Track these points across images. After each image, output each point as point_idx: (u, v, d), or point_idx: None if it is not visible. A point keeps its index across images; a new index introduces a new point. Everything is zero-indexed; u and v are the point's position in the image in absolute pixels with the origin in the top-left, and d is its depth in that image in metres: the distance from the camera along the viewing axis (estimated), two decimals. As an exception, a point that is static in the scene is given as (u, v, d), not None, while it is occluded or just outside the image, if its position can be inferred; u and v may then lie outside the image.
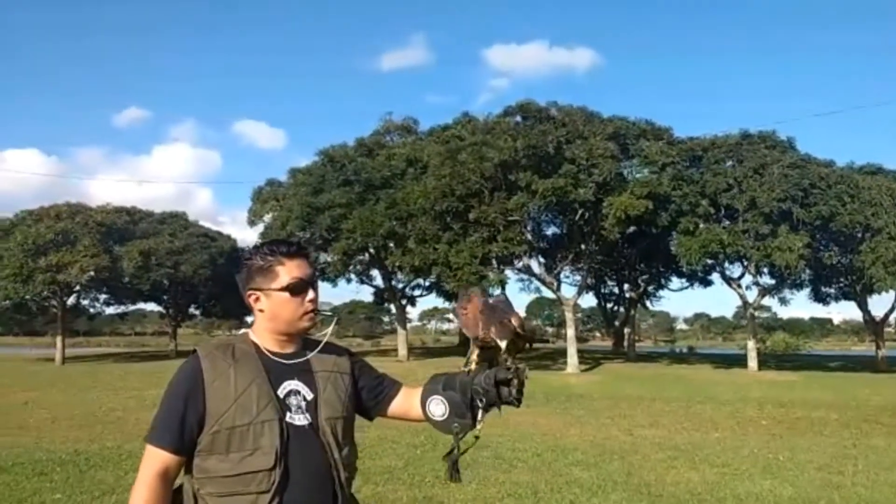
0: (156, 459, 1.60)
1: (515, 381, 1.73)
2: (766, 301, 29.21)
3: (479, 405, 1.72)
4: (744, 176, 23.32)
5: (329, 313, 2.02)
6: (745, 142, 25.04)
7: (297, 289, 1.69)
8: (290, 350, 1.72)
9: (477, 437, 1.75)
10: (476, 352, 1.80)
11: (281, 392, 1.64)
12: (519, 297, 41.93)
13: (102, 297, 37.30)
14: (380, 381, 1.88)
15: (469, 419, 1.72)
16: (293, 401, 1.65)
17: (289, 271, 1.69)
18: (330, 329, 1.88)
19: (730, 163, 24.56)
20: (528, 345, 1.85)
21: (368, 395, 1.84)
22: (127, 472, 6.77)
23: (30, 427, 10.02)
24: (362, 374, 1.85)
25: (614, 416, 12.02)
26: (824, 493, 6.16)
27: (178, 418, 1.60)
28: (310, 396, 1.68)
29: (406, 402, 1.86)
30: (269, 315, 1.69)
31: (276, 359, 1.69)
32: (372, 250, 30.07)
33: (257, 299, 1.70)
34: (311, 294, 1.72)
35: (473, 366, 1.78)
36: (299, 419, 1.64)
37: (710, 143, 25.17)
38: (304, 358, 1.72)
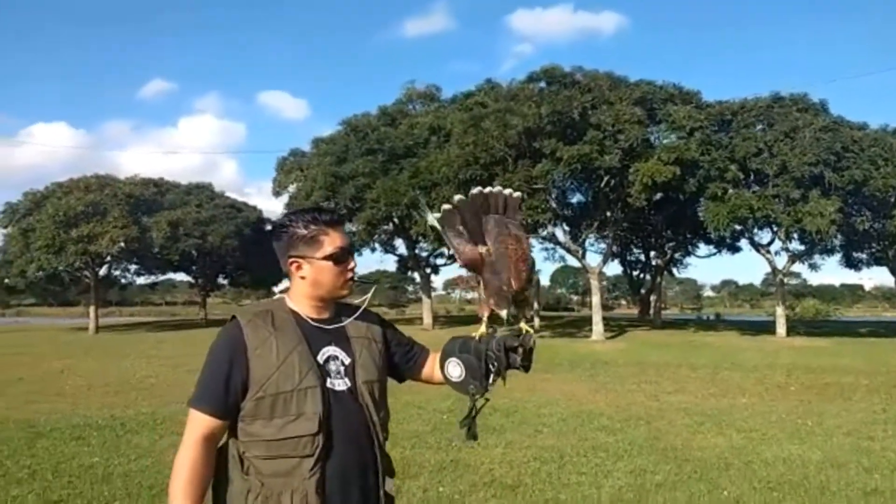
0: (200, 423, 1.65)
1: (520, 350, 1.79)
2: (796, 267, 28.81)
3: (492, 369, 1.77)
4: (774, 140, 22.80)
5: (368, 282, 2.09)
6: (776, 105, 24.42)
7: (340, 258, 1.74)
8: (326, 316, 1.78)
9: (487, 400, 1.81)
10: (485, 317, 1.84)
11: (321, 358, 1.70)
12: (544, 265, 41.87)
13: (133, 267, 37.96)
14: (410, 347, 1.96)
15: (483, 382, 1.78)
16: (332, 366, 1.70)
17: (332, 241, 1.74)
18: (369, 296, 1.94)
19: (760, 126, 24.01)
20: (528, 291, 1.84)
21: (400, 360, 1.92)
22: (162, 436, 6.95)
23: (66, 394, 10.29)
24: (393, 340, 1.92)
25: (640, 382, 12.00)
26: (853, 458, 6.11)
27: (222, 383, 1.64)
28: (347, 361, 1.73)
29: (431, 365, 1.93)
30: (311, 282, 1.74)
31: (315, 325, 1.74)
32: (396, 219, 30.12)
33: (299, 266, 1.74)
34: (351, 263, 1.78)
35: (484, 328, 1.83)
36: (339, 384, 1.69)
37: (739, 107, 24.58)
38: (342, 324, 1.78)
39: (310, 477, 1.60)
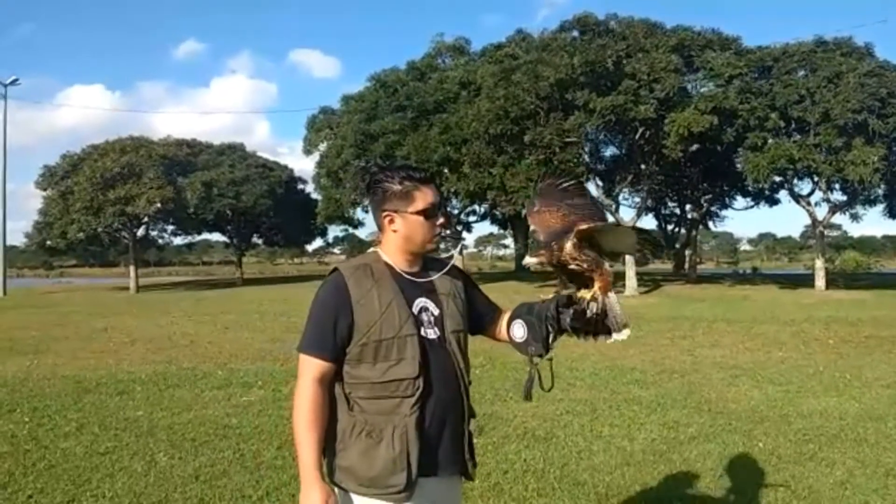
0: (312, 367, 1.81)
1: (570, 310, 1.85)
2: (836, 219, 28.05)
3: (551, 330, 1.87)
4: (817, 86, 21.94)
5: (456, 237, 2.19)
6: (819, 49, 23.43)
7: (430, 213, 1.87)
8: (416, 269, 1.91)
9: (550, 359, 1.93)
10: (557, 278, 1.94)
11: (415, 309, 1.84)
12: (576, 220, 41.37)
13: (169, 228, 38.63)
14: (487, 303, 2.09)
15: (544, 343, 1.89)
16: (424, 317, 1.85)
17: (424, 197, 1.86)
18: (457, 251, 2.12)
19: (802, 73, 23.08)
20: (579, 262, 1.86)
21: (475, 315, 2.04)
22: (203, 390, 7.16)
23: (110, 351, 10.61)
24: (472, 295, 2.05)
25: (674, 336, 11.93)
26: (892, 410, 6.02)
27: (330, 329, 1.80)
28: (437, 312, 1.88)
29: (500, 324, 2.07)
30: (402, 235, 1.87)
31: (408, 278, 1.88)
32: (427, 176, 29.99)
33: (392, 220, 1.88)
34: (441, 219, 1.90)
35: (554, 293, 1.92)
36: (430, 333, 1.84)
37: (781, 53, 23.64)
38: (431, 278, 1.91)
39: (410, 415, 1.77)
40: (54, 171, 33.67)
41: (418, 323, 1.82)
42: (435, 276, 1.92)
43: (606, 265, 1.84)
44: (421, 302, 1.86)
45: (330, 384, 1.82)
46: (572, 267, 1.83)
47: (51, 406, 6.44)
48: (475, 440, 1.95)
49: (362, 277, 1.83)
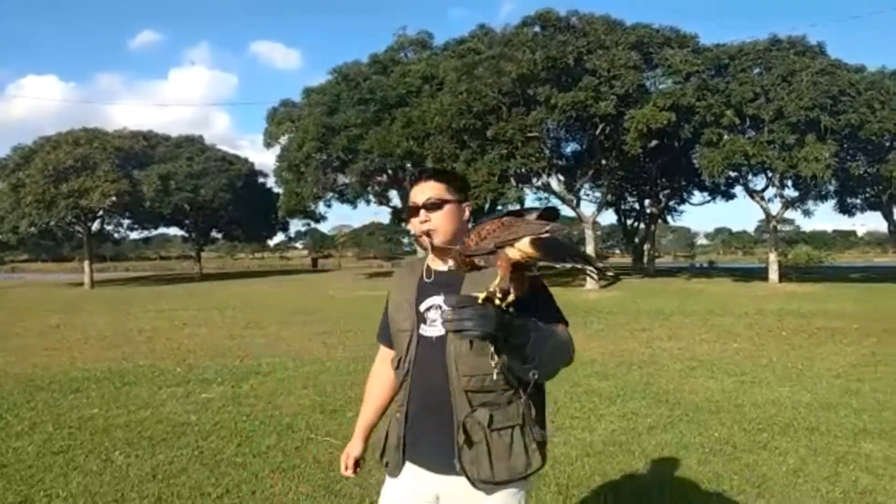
0: (379, 350, 2.12)
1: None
2: (789, 214, 28.78)
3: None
4: (771, 84, 22.49)
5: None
6: (773, 48, 23.99)
7: (410, 213, 1.93)
8: (443, 268, 1.92)
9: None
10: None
11: (423, 306, 1.88)
12: (538, 214, 41.67)
13: (126, 222, 37.76)
14: (545, 312, 1.85)
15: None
16: (431, 314, 1.86)
17: (412, 196, 1.93)
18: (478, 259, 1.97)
19: (757, 70, 23.62)
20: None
21: None
22: (160, 387, 7.02)
23: (63, 348, 10.33)
24: (535, 301, 1.84)
25: (633, 329, 12.13)
26: (843, 400, 6.22)
27: (384, 319, 2.05)
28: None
29: None
30: None
31: (431, 276, 1.93)
32: (389, 171, 29.87)
33: None
34: (415, 218, 1.91)
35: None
36: (431, 331, 1.85)
37: (737, 51, 24.14)
38: (432, 278, 1.92)
39: (401, 404, 1.91)
40: (5, 164, 32.62)
41: (420, 320, 1.87)
42: (443, 268, 1.90)
43: (509, 252, 1.56)
44: (433, 300, 1.86)
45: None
46: (478, 262, 1.63)
47: (2, 405, 6.24)
48: (479, 443, 1.77)
49: (405, 274, 2.01)
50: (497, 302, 1.55)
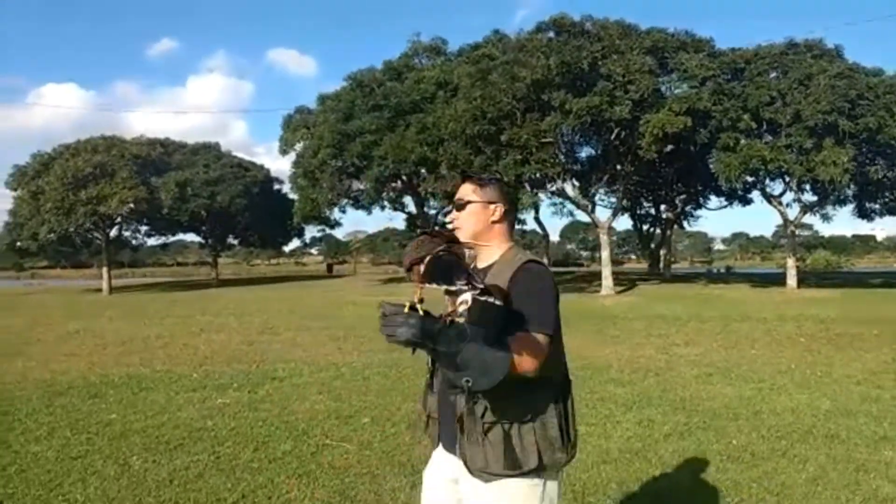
0: None
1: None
2: (808, 219, 28.61)
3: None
4: (788, 88, 22.33)
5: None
6: (790, 52, 23.85)
7: (454, 208, 2.07)
8: (484, 265, 2.01)
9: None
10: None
11: (459, 301, 1.86)
12: (552, 220, 41.62)
13: (143, 228, 38.17)
14: (516, 315, 1.83)
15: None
16: (461, 309, 1.85)
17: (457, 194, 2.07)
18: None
19: (774, 74, 23.47)
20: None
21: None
22: (177, 392, 7.06)
23: (82, 353, 10.42)
24: (512, 292, 1.84)
25: (649, 335, 12.04)
26: (863, 407, 6.14)
27: None
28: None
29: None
30: None
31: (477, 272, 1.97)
32: (404, 177, 29.95)
33: None
34: (452, 214, 2.07)
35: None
36: None
37: (753, 55, 24.02)
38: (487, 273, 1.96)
39: (430, 394, 2.10)
40: (25, 171, 33.10)
41: (453, 314, 1.85)
42: (468, 259, 1.92)
43: (421, 268, 1.67)
44: (467, 296, 1.83)
45: None
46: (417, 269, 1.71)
47: (21, 410, 6.31)
48: (474, 433, 1.88)
49: None
50: (419, 311, 1.64)
